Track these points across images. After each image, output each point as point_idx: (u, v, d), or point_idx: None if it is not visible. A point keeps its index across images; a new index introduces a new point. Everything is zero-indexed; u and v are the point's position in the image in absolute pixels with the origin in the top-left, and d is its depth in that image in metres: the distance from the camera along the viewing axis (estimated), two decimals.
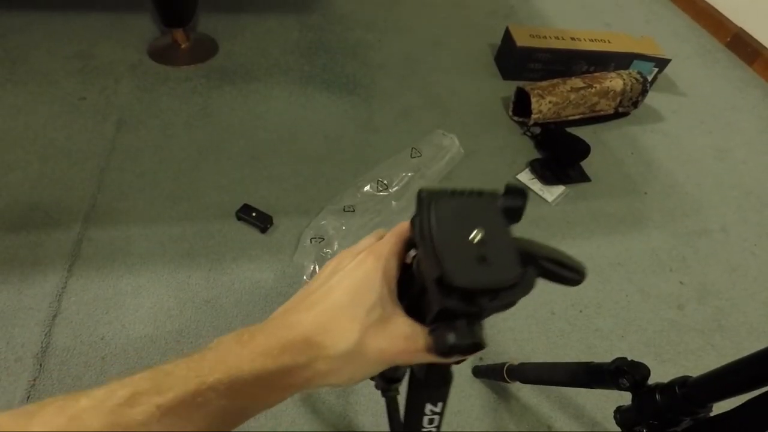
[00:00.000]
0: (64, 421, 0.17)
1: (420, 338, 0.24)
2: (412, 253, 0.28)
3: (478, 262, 0.22)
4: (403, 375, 0.54)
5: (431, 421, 0.34)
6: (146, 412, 0.18)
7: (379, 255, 0.25)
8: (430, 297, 0.23)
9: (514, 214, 0.25)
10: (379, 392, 0.67)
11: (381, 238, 0.28)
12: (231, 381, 0.20)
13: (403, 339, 0.24)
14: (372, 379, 0.56)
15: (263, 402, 0.22)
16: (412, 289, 0.26)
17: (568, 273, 0.25)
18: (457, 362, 0.26)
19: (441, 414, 0.34)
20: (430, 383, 0.33)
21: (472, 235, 0.22)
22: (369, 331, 0.23)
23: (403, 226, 0.27)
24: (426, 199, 0.24)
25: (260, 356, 0.21)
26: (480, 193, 0.25)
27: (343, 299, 0.24)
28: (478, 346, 0.23)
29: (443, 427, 0.36)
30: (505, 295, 0.22)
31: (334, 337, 0.23)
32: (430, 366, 0.31)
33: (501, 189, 0.25)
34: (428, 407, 0.34)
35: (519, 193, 0.25)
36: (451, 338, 0.22)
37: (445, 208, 0.23)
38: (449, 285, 0.21)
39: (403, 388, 0.48)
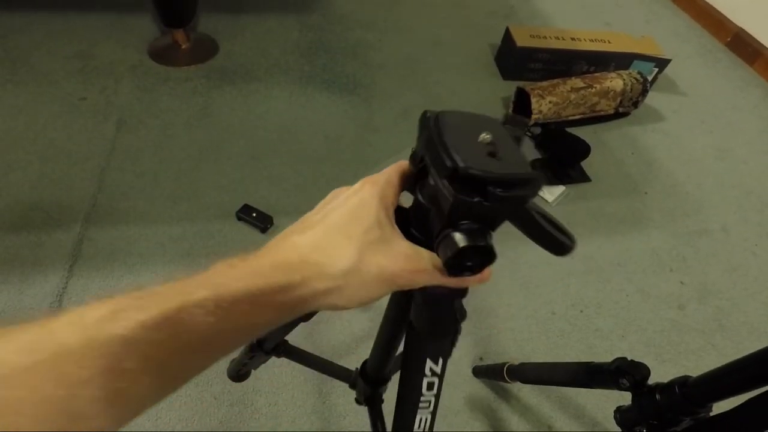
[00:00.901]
0: (35, 337, 0.16)
1: (423, 257, 0.24)
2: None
3: (490, 157, 0.22)
4: (389, 375, 0.52)
5: (430, 386, 0.31)
6: (127, 327, 0.17)
7: (375, 181, 0.26)
8: (441, 198, 0.22)
9: (519, 135, 0.25)
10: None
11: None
12: (217, 298, 0.20)
13: (404, 257, 0.24)
14: (354, 389, 0.55)
15: (255, 321, 0.21)
16: (412, 226, 0.26)
17: (562, 236, 0.25)
18: (463, 293, 0.25)
19: (440, 377, 0.31)
20: (435, 331, 0.30)
21: (481, 137, 0.22)
22: (368, 249, 0.23)
23: (402, 162, 0.27)
24: (432, 116, 0.23)
25: (249, 275, 0.21)
26: (482, 116, 0.25)
27: (340, 221, 0.24)
28: (490, 251, 0.22)
29: (442, 425, 0.34)
30: (517, 191, 0.21)
31: (331, 255, 0.23)
32: (435, 310, 0.29)
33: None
34: (428, 365, 0.31)
35: (519, 122, 0.25)
36: (461, 240, 0.22)
37: (452, 119, 0.23)
38: (464, 174, 0.20)
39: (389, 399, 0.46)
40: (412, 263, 0.24)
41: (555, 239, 0.25)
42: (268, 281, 0.21)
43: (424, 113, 0.24)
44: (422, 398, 0.32)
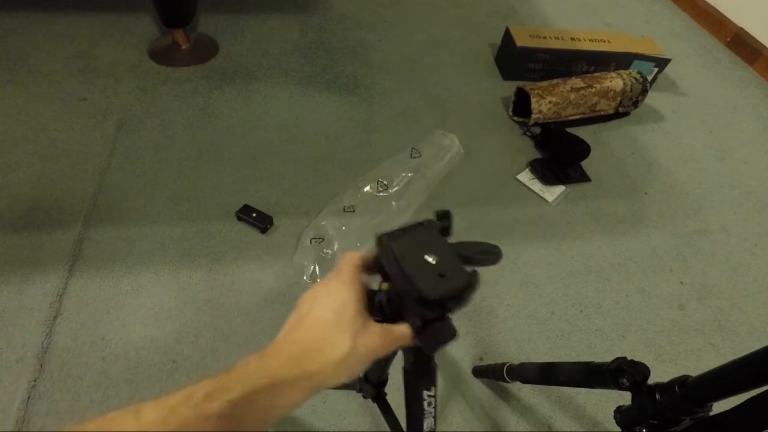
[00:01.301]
0: (165, 413, 0.22)
1: (392, 331, 0.32)
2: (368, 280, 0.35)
3: (440, 278, 0.29)
4: (387, 377, 0.66)
5: (429, 404, 0.44)
6: (220, 406, 0.24)
7: (345, 282, 0.32)
8: (411, 313, 0.31)
9: (446, 231, 0.34)
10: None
11: (336, 273, 0.34)
12: (272, 383, 0.26)
13: (380, 336, 0.31)
14: (361, 392, 0.70)
15: (290, 401, 0.28)
16: (379, 312, 0.34)
17: (492, 256, 0.33)
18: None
19: (435, 396, 0.43)
20: (421, 373, 0.42)
21: (428, 259, 0.30)
22: (357, 335, 0.30)
23: (352, 257, 0.34)
24: (385, 242, 0.31)
25: (284, 365, 0.28)
26: (421, 224, 0.33)
27: (331, 318, 0.30)
28: (455, 335, 0.31)
29: (442, 425, 0.42)
30: (465, 295, 0.30)
31: (333, 346, 0.29)
32: (416, 360, 0.41)
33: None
34: (425, 393, 0.43)
35: (445, 215, 0.34)
36: (439, 338, 0.30)
37: (402, 247, 0.31)
38: (427, 300, 0.29)
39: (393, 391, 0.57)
40: (385, 338, 0.32)
41: (490, 261, 0.34)
42: (296, 369, 0.28)
43: (378, 237, 0.32)
44: (425, 411, 0.44)
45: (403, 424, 0.58)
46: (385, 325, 0.32)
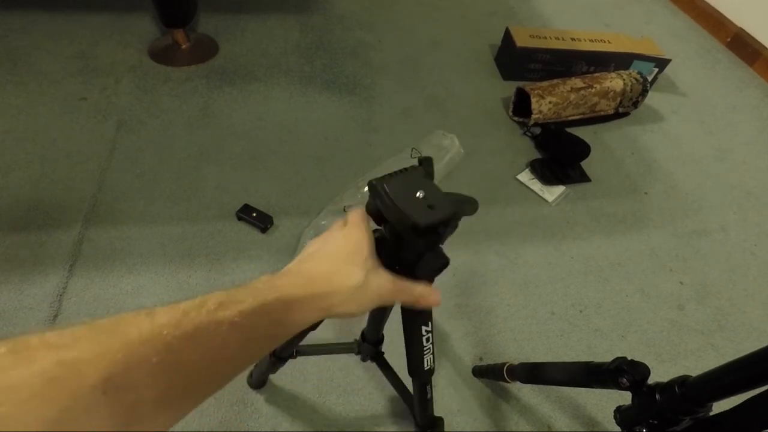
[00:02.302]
0: (179, 316, 0.22)
1: (399, 283, 0.35)
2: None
3: (430, 208, 0.33)
4: (383, 336, 0.73)
5: (428, 339, 0.49)
6: (232, 315, 0.24)
7: (359, 226, 0.35)
8: (407, 244, 0.35)
9: (430, 176, 0.37)
10: (376, 392, 0.82)
11: (344, 223, 0.37)
12: (283, 299, 0.27)
13: (390, 282, 0.34)
14: (359, 354, 0.77)
15: (302, 318, 0.29)
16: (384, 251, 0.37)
17: (468, 206, 0.37)
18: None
19: (432, 332, 0.49)
20: (418, 310, 0.45)
21: (417, 195, 0.34)
22: (368, 274, 0.32)
23: (358, 210, 0.37)
24: (378, 185, 0.34)
25: (297, 285, 0.29)
26: (406, 169, 0.36)
27: (345, 254, 0.33)
28: (447, 263, 0.37)
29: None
30: (453, 223, 0.34)
31: (346, 277, 0.32)
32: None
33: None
34: (423, 329, 0.47)
35: (427, 160, 0.38)
36: (433, 266, 0.36)
37: (393, 187, 0.34)
38: (419, 227, 0.32)
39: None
40: (395, 286, 0.34)
41: (470, 210, 0.37)
42: (309, 290, 0.29)
43: (370, 182, 0.35)
44: (424, 348, 0.49)
45: (402, 377, 0.69)
46: (395, 276, 0.34)
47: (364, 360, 0.78)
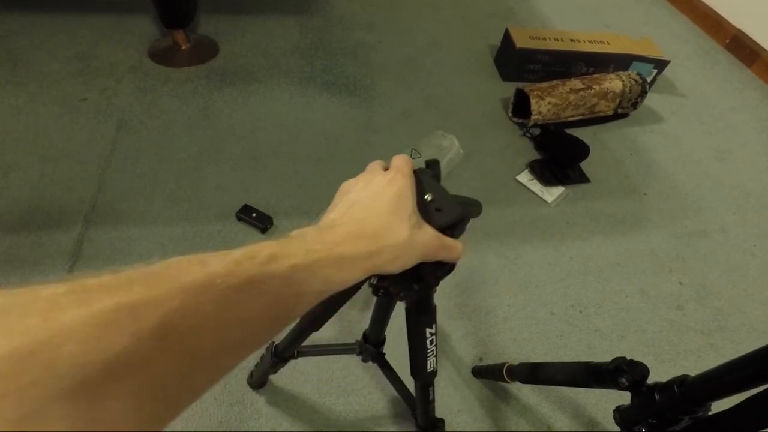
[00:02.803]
0: (231, 266, 0.21)
1: (443, 238, 0.33)
2: None
3: (438, 212, 0.33)
4: (385, 338, 0.73)
5: (431, 342, 0.48)
6: (283, 269, 0.23)
7: (406, 175, 0.33)
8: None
9: (437, 178, 0.38)
10: (377, 393, 0.82)
11: (384, 167, 0.35)
12: (333, 258, 0.26)
13: (434, 237, 0.32)
14: (360, 355, 0.76)
15: (350, 276, 0.27)
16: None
17: (473, 208, 0.37)
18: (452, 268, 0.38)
19: (435, 334, 0.48)
20: (423, 311, 0.46)
21: (426, 198, 0.34)
22: (413, 229, 0.31)
23: (406, 157, 0.35)
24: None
25: (346, 242, 0.28)
26: (415, 171, 0.36)
27: (390, 207, 0.31)
28: (453, 265, 0.36)
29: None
30: (461, 225, 0.35)
31: (395, 233, 0.30)
32: (419, 300, 0.45)
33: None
34: (427, 331, 0.47)
35: (434, 163, 0.38)
36: (439, 267, 0.35)
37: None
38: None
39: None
40: (438, 241, 0.33)
41: (475, 212, 0.38)
42: (357, 248, 0.28)
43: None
44: (428, 350, 0.48)
45: (404, 378, 0.67)
46: (437, 232, 0.33)
47: (365, 361, 0.78)
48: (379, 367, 0.78)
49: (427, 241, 0.32)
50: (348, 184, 0.34)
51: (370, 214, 0.30)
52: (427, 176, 0.36)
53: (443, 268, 0.35)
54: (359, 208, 0.31)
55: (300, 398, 0.86)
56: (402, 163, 0.35)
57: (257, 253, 0.23)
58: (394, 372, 0.78)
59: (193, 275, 0.20)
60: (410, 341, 0.49)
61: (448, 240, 0.34)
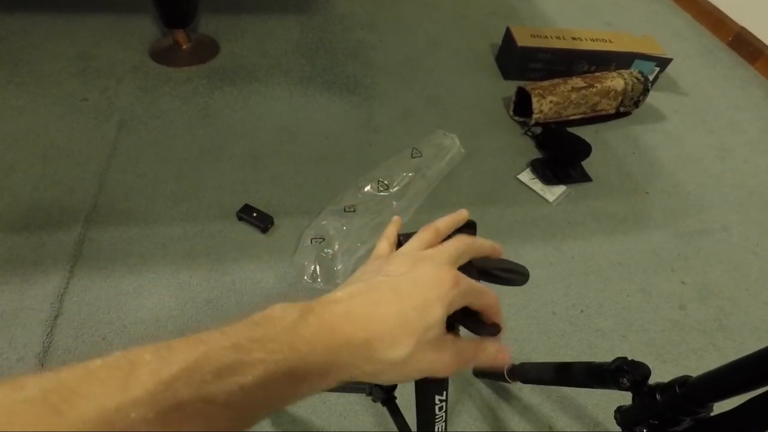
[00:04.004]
0: (160, 389, 0.18)
1: (462, 351, 0.26)
2: None
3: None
4: (396, 385, 0.66)
5: (441, 408, 0.44)
6: (231, 390, 0.19)
7: (443, 272, 0.25)
8: None
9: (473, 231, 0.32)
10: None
11: (421, 244, 0.29)
12: (300, 369, 0.21)
13: (452, 356, 0.25)
14: (370, 395, 0.71)
15: (313, 388, 0.22)
16: None
17: (516, 276, 0.32)
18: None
19: (446, 401, 0.43)
20: (432, 379, 0.39)
21: None
22: (423, 346, 0.24)
23: (460, 245, 0.28)
24: (404, 241, 0.29)
25: (323, 347, 0.22)
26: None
27: (399, 313, 0.24)
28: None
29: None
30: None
31: (391, 346, 0.23)
32: None
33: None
34: (436, 398, 0.43)
35: (469, 225, 0.32)
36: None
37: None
38: None
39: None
40: (456, 359, 0.26)
41: (513, 281, 0.33)
42: (342, 358, 0.22)
43: (398, 236, 0.30)
44: (436, 416, 0.44)
45: (413, 426, 0.56)
46: (459, 342, 0.26)
47: (374, 401, 0.73)
48: (388, 412, 0.73)
49: (438, 363, 0.25)
50: (367, 266, 0.28)
51: (370, 315, 0.23)
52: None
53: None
54: (358, 302, 0.24)
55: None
56: (442, 255, 0.27)
57: (204, 365, 0.19)
58: (404, 419, 0.72)
59: (100, 404, 0.17)
60: (418, 407, 0.45)
61: (470, 354, 0.27)
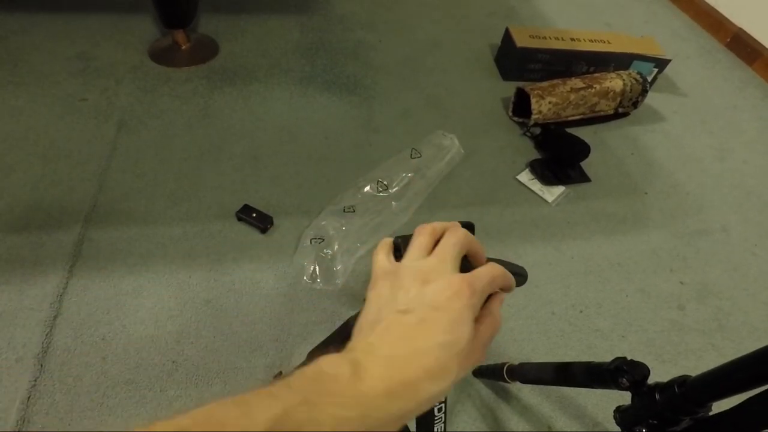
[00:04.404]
0: None
1: (484, 335, 0.27)
2: None
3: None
4: None
5: (440, 409, 0.45)
6: None
7: (475, 288, 0.25)
8: None
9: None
10: None
11: (437, 237, 0.29)
12: (363, 419, 0.21)
13: (482, 344, 0.26)
14: None
15: None
16: None
17: (515, 277, 0.32)
18: None
19: (445, 402, 0.45)
20: None
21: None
22: (462, 362, 0.24)
23: (487, 276, 0.27)
24: (401, 245, 0.30)
25: (381, 399, 0.21)
26: None
27: (444, 337, 0.24)
28: None
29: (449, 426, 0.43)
30: None
31: (441, 378, 0.23)
32: None
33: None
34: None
35: (467, 226, 0.31)
36: None
37: None
38: None
39: None
40: (484, 345, 0.26)
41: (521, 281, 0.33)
42: (390, 411, 0.22)
43: (396, 241, 0.31)
44: (435, 417, 0.45)
45: (412, 427, 0.56)
46: (479, 326, 0.26)
47: None
48: None
49: (474, 362, 0.25)
50: (410, 265, 0.27)
51: (418, 348, 0.23)
52: None
53: None
54: (406, 336, 0.23)
55: None
56: (460, 283, 0.25)
57: (284, 423, 0.18)
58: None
59: None
60: None
61: (488, 338, 0.27)
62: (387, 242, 0.31)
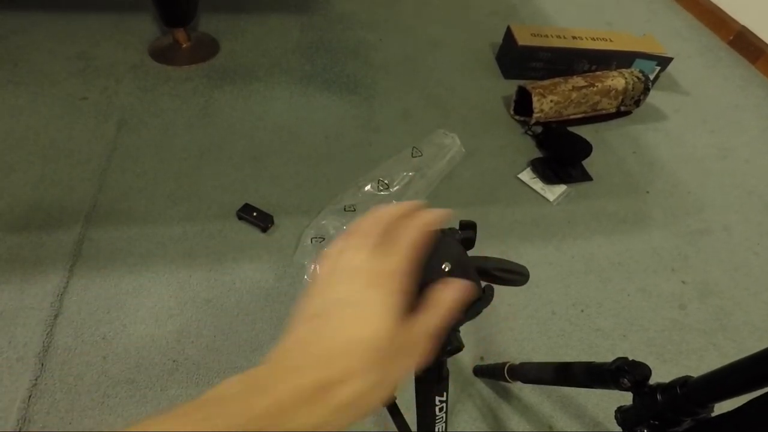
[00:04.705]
0: None
1: (421, 332, 0.25)
2: None
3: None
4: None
5: (441, 409, 0.45)
6: None
7: (395, 272, 0.24)
8: None
9: (469, 243, 0.32)
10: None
11: (390, 222, 0.26)
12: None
13: (421, 349, 0.24)
14: None
15: None
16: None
17: (515, 276, 0.34)
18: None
19: (447, 402, 0.44)
20: (433, 380, 0.42)
21: (443, 267, 0.28)
22: (389, 361, 0.22)
23: (427, 222, 0.26)
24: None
25: (289, 411, 0.20)
26: (442, 231, 0.31)
27: (355, 334, 0.22)
28: (459, 348, 0.31)
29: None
30: (474, 307, 0.29)
31: (351, 382, 0.21)
32: (429, 368, 0.40)
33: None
34: (437, 399, 0.44)
35: (469, 226, 0.32)
36: (444, 347, 0.30)
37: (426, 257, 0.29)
38: None
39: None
40: (422, 344, 0.24)
41: (513, 281, 0.34)
42: (296, 421, 0.20)
43: None
44: (437, 416, 0.45)
45: (413, 426, 0.55)
46: (414, 322, 0.24)
47: None
48: (388, 412, 0.70)
49: (405, 363, 0.23)
50: (334, 262, 0.25)
51: (322, 348, 0.21)
52: (452, 240, 0.30)
53: (449, 346, 0.30)
54: (306, 335, 0.22)
55: None
56: (406, 249, 0.24)
57: None
58: (404, 420, 0.69)
59: None
60: (418, 408, 0.44)
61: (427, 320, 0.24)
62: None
